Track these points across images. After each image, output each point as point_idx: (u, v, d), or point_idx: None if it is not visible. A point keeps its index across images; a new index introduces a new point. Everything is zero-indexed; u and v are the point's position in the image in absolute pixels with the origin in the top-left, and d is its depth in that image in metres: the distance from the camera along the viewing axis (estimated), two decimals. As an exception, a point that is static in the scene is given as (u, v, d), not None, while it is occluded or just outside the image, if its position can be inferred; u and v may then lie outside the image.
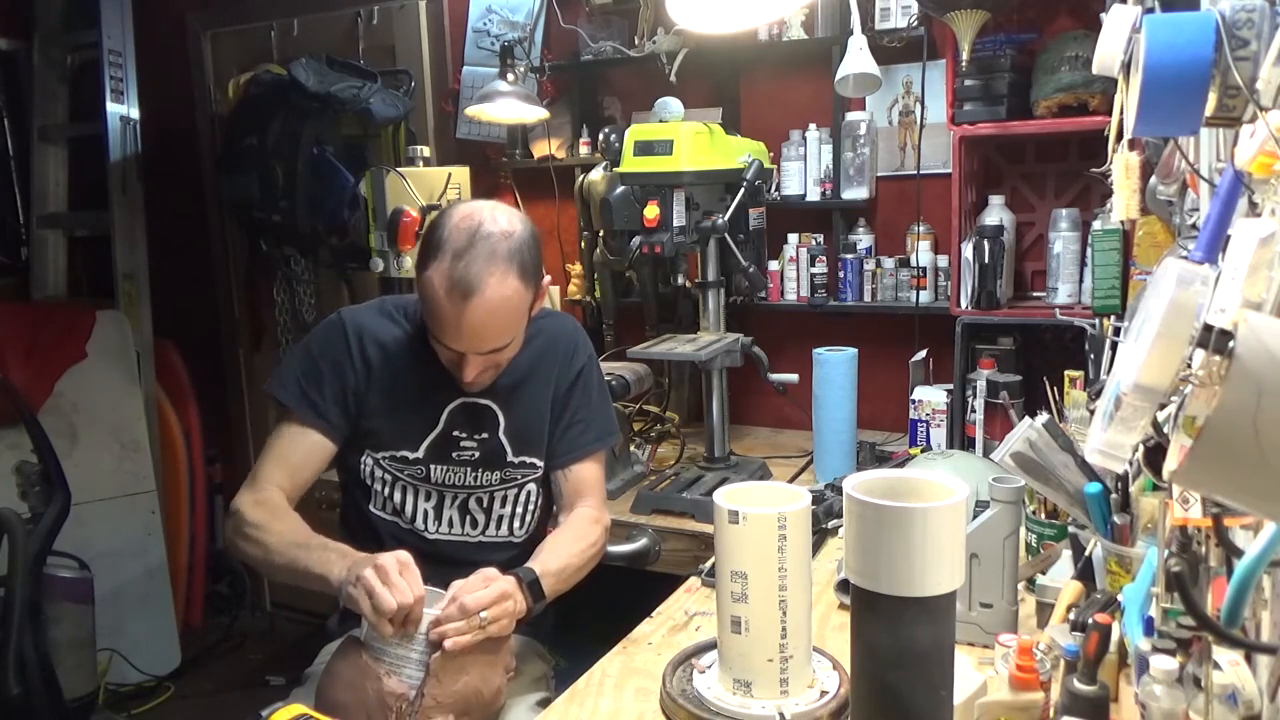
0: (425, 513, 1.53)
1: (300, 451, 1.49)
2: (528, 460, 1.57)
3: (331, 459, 1.52)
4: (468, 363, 1.42)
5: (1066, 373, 1.88)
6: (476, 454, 1.54)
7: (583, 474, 1.61)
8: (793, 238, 2.58)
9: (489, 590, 1.28)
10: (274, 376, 1.53)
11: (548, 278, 1.50)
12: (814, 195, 2.54)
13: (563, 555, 1.48)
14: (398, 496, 1.53)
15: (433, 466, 1.52)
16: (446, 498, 1.54)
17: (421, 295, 1.39)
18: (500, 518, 1.58)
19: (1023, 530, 1.37)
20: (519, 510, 1.60)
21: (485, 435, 1.54)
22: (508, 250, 1.35)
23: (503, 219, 1.38)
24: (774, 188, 2.54)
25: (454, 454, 1.53)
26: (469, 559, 1.53)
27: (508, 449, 1.55)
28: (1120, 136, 1.22)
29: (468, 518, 1.56)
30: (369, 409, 1.50)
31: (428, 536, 1.53)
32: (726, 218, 2.02)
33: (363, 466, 1.52)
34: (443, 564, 1.45)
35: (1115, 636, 1.10)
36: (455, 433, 1.52)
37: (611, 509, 2.01)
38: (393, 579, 1.22)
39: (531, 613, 1.39)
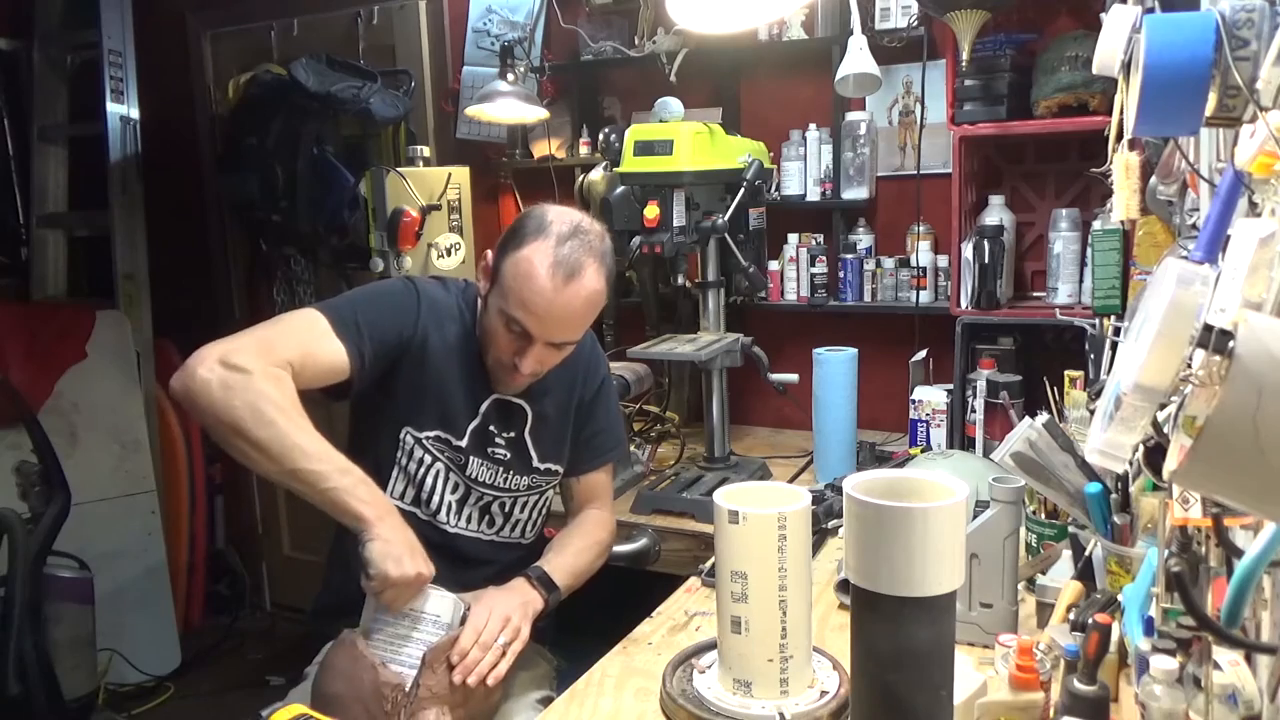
0: (450, 505, 1.52)
1: (322, 348, 1.34)
2: (553, 468, 1.60)
3: (333, 384, 1.38)
4: (531, 351, 1.40)
5: (1066, 373, 1.88)
6: (508, 454, 1.54)
7: (595, 481, 1.67)
8: (793, 238, 2.58)
9: (494, 619, 1.33)
10: (326, 303, 1.41)
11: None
12: (814, 195, 2.54)
13: (571, 553, 1.53)
14: (428, 483, 1.50)
15: (472, 458, 1.51)
16: (473, 495, 1.54)
17: (510, 274, 1.37)
18: (517, 522, 1.60)
19: (1023, 530, 1.37)
20: (534, 515, 1.62)
21: (513, 434, 1.54)
22: (602, 251, 1.41)
23: (597, 225, 1.44)
24: (774, 188, 2.54)
25: (489, 449, 1.53)
26: (481, 556, 1.54)
27: (533, 452, 1.56)
28: (1120, 136, 1.22)
29: (487, 517, 1.56)
30: (413, 382, 1.46)
31: (447, 530, 1.52)
32: (726, 218, 2.02)
33: (401, 445, 1.48)
34: (456, 558, 1.46)
35: (1115, 636, 1.10)
36: (491, 427, 1.53)
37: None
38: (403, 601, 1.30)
39: (549, 604, 1.43)
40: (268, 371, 1.25)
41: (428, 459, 1.50)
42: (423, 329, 1.46)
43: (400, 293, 1.48)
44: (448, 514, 1.53)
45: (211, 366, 1.23)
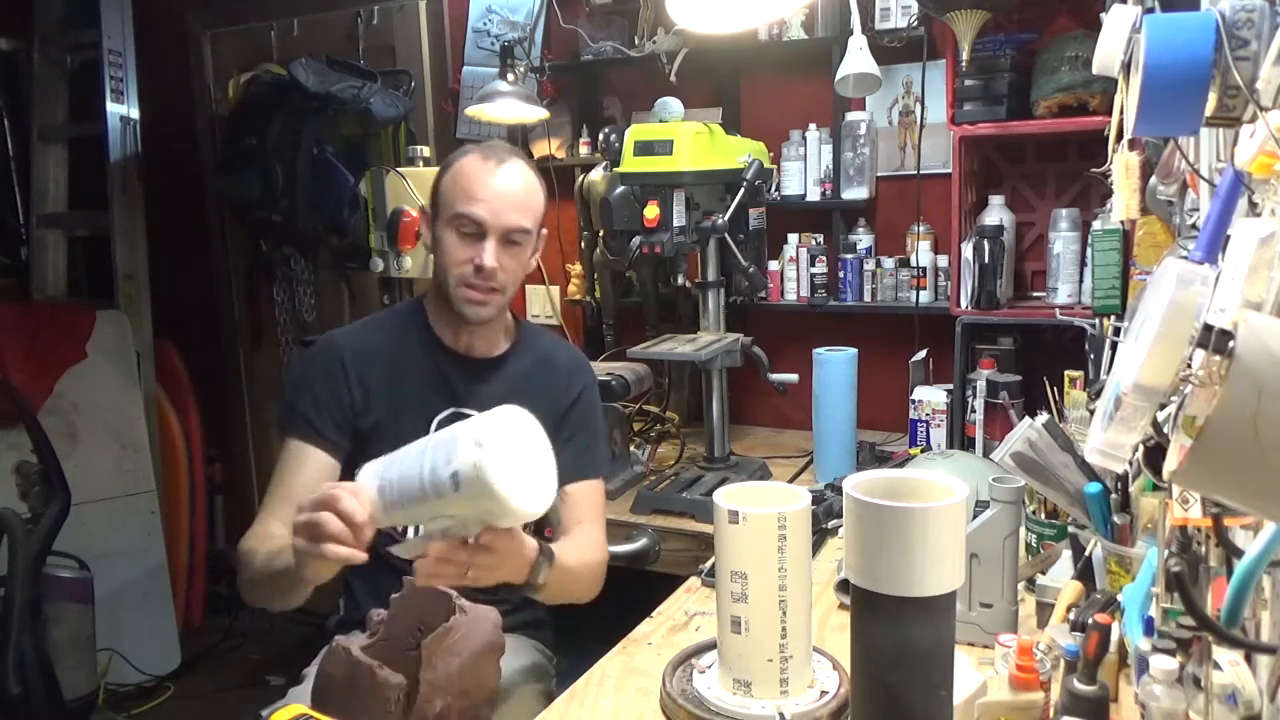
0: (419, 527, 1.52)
1: (303, 475, 1.44)
2: None
3: (338, 477, 1.45)
4: (486, 246, 1.44)
5: (1066, 373, 1.88)
6: None
7: (580, 498, 1.56)
8: (793, 238, 2.58)
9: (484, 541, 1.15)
10: (278, 411, 1.53)
11: (544, 231, 1.55)
12: (814, 195, 2.54)
13: (568, 554, 1.46)
14: None
15: None
16: None
17: (449, 185, 1.47)
18: None
19: (1023, 530, 1.37)
20: None
21: None
22: (523, 156, 1.53)
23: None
24: (774, 188, 2.54)
25: None
26: None
27: None
28: (1120, 136, 1.22)
29: None
30: (370, 425, 1.49)
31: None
32: (726, 218, 2.02)
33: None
34: None
35: (1115, 636, 1.10)
36: None
37: (611, 509, 2.01)
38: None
39: (535, 573, 1.29)
40: (270, 536, 1.36)
41: None
42: (356, 379, 1.49)
43: (322, 359, 1.51)
44: (418, 533, 1.51)
45: (239, 573, 1.38)
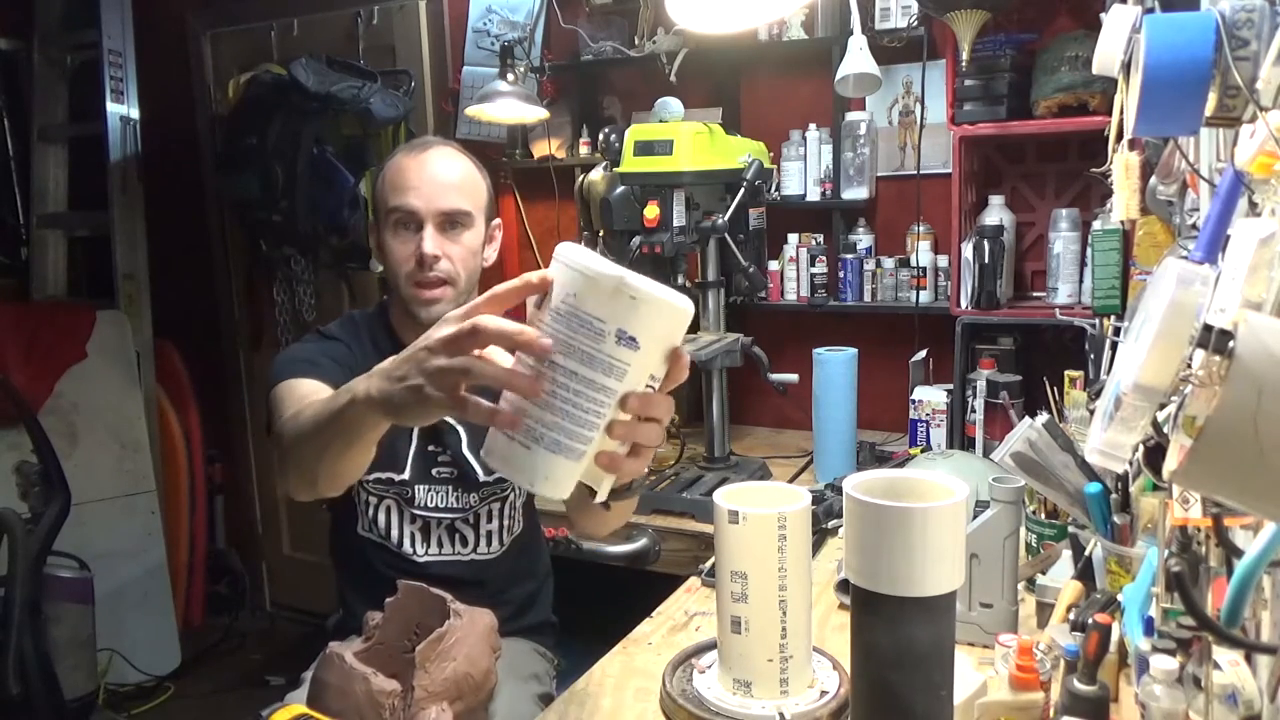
0: (412, 535, 1.50)
1: (313, 391, 1.29)
2: (502, 478, 1.54)
3: None
4: (425, 235, 1.40)
5: (1066, 373, 1.88)
6: (453, 471, 1.50)
7: None
8: (793, 238, 2.58)
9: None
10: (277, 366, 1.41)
11: (498, 220, 1.54)
12: (814, 195, 2.54)
13: None
14: (382, 519, 1.50)
15: (418, 488, 1.49)
16: (433, 523, 1.52)
17: (380, 186, 1.46)
18: (488, 533, 1.55)
19: (1023, 530, 1.37)
20: (505, 523, 1.56)
21: (451, 452, 1.50)
22: (457, 145, 1.53)
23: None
24: (774, 188, 2.54)
25: (434, 471, 1.50)
26: (464, 578, 1.51)
27: (476, 468, 1.50)
28: (1120, 136, 1.22)
29: (456, 536, 1.53)
30: None
31: (417, 560, 1.50)
32: (726, 218, 2.02)
33: (353, 490, 1.48)
34: (437, 587, 1.43)
35: (1115, 636, 1.10)
36: (430, 447, 1.50)
37: (611, 509, 2.01)
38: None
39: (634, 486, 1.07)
40: (282, 429, 1.20)
41: (373, 500, 1.49)
42: (359, 359, 1.44)
43: (325, 341, 1.48)
44: (413, 544, 1.51)
45: (280, 451, 1.18)
